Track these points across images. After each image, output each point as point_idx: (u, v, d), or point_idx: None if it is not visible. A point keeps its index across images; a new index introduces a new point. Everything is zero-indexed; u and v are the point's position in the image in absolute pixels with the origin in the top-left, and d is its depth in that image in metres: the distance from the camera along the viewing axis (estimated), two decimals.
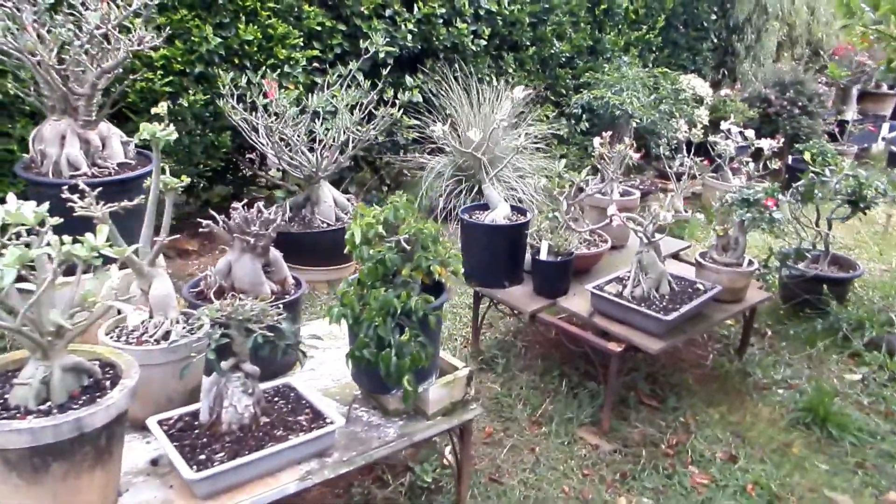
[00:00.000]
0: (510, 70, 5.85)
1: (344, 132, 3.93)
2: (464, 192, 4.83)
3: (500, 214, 3.19)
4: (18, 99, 3.31)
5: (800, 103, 6.91)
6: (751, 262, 3.09)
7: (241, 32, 4.12)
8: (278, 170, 4.74)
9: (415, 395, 1.81)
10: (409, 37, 4.94)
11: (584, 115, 6.18)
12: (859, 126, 7.64)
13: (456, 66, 5.35)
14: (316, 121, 3.97)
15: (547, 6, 5.93)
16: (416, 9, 5.00)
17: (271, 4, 4.28)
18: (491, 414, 2.93)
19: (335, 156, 3.90)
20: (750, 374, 3.30)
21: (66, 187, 1.81)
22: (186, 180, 2.05)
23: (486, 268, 3.18)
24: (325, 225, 3.86)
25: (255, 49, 4.25)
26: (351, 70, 4.11)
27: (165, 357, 1.77)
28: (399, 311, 1.74)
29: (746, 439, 2.82)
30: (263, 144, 3.77)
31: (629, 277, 2.88)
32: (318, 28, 4.56)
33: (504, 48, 5.85)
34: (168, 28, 3.89)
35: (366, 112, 4.08)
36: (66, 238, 1.42)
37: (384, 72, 4.86)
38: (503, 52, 5.82)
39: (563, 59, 6.22)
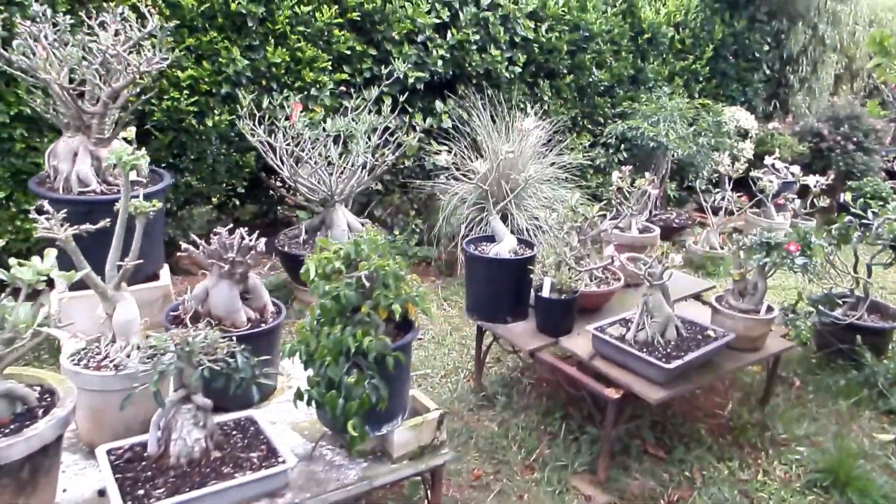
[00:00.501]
0: (546, 97, 5.76)
1: (361, 156, 3.92)
2: (485, 221, 4.75)
3: (505, 247, 3.10)
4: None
5: (854, 138, 6.57)
6: (770, 309, 2.89)
7: (270, 55, 4.19)
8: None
9: (361, 440, 1.73)
10: (440, 62, 4.93)
11: (622, 146, 6.03)
12: None
13: (490, 92, 5.31)
14: (335, 144, 3.98)
15: (587, 34, 5.83)
16: (449, 34, 4.99)
17: (301, 28, 4.34)
18: (483, 454, 2.81)
19: (351, 180, 3.89)
20: (770, 427, 3.07)
21: (34, 207, 1.83)
22: (158, 205, 2.04)
23: (489, 302, 3.09)
24: None
25: (283, 71, 4.31)
26: (373, 94, 4.10)
27: (122, 384, 1.76)
28: (354, 351, 1.67)
29: (755, 500, 2.61)
30: (280, 165, 3.80)
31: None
32: (348, 52, 4.60)
33: (540, 75, 5.77)
34: (198, 49, 4.04)
35: (384, 137, 4.06)
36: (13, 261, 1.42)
37: (409, 97, 4.90)
38: (539, 80, 5.74)
39: (602, 88, 6.09)
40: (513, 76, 5.45)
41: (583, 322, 3.02)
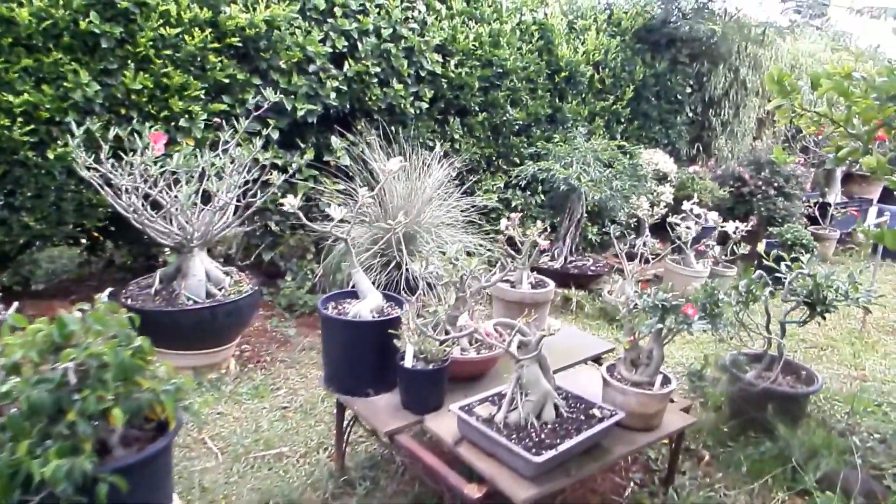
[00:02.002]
0: (456, 136, 5.42)
1: (225, 195, 3.43)
2: (382, 267, 4.30)
3: (367, 307, 2.65)
4: None
5: (775, 184, 6.45)
6: (667, 381, 2.50)
7: (128, 81, 3.69)
8: None
9: None
10: (335, 95, 4.52)
11: (539, 188, 5.73)
12: (842, 210, 7.16)
13: (394, 128, 4.92)
14: (199, 181, 3.47)
15: (500, 71, 5.54)
16: (346, 66, 4.60)
17: (168, 52, 3.86)
18: None
19: (213, 221, 3.39)
20: None
21: None
22: None
23: (348, 371, 2.62)
24: (190, 302, 3.31)
25: (146, 99, 3.81)
26: (243, 125, 3.63)
27: None
28: (38, 482, 1.17)
29: None
30: (122, 204, 3.26)
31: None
32: (227, 81, 4.14)
33: (450, 112, 5.44)
34: (39, 72, 3.51)
35: (263, 175, 3.59)
36: None
37: (301, 131, 4.48)
38: (449, 117, 5.40)
39: (518, 127, 5.79)
40: (419, 112, 5.09)
41: (459, 394, 2.58)
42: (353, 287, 2.75)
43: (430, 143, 5.25)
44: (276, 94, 3.78)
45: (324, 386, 2.71)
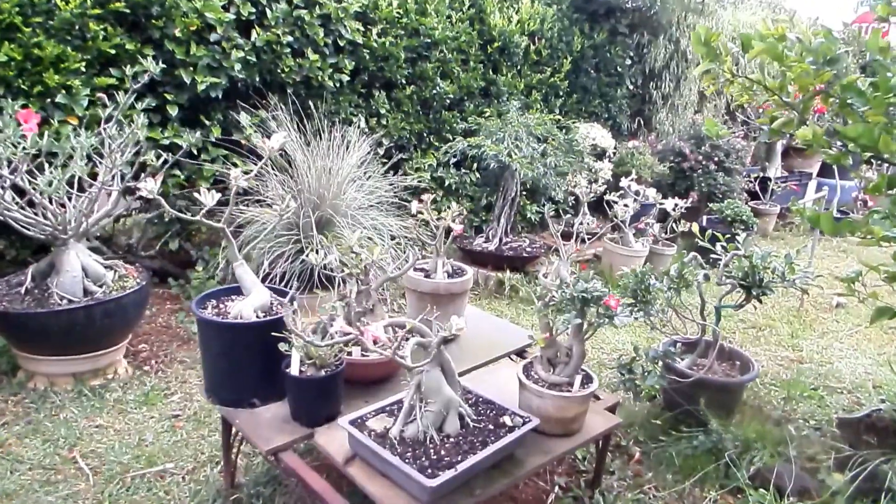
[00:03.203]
0: (382, 111, 5.06)
1: (105, 177, 3.02)
2: (295, 255, 3.94)
3: (251, 305, 2.31)
4: None
5: (716, 158, 6.31)
6: (588, 380, 2.25)
7: None
8: None
9: None
10: (241, 66, 4.10)
11: (474, 165, 5.44)
12: (782, 184, 7.10)
13: (311, 102, 4.54)
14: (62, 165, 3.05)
15: (429, 41, 5.19)
16: (254, 34, 4.18)
17: (39, 20, 3.39)
18: None
19: (84, 210, 2.98)
20: None
21: None
22: None
23: (229, 380, 2.29)
24: (64, 302, 2.91)
25: (14, 73, 3.34)
26: (125, 102, 3.20)
27: None
28: None
29: None
30: None
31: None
32: (114, 52, 3.68)
33: (375, 85, 5.07)
34: None
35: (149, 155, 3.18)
36: None
37: (206, 107, 4.08)
38: (374, 90, 5.03)
39: (449, 101, 5.46)
40: (340, 85, 4.71)
41: (361, 401, 2.29)
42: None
43: (354, 119, 4.89)
44: (161, 65, 3.33)
45: (205, 397, 2.38)
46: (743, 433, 2.85)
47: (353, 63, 4.74)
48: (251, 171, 2.41)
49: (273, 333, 2.14)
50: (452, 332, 1.93)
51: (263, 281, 3.82)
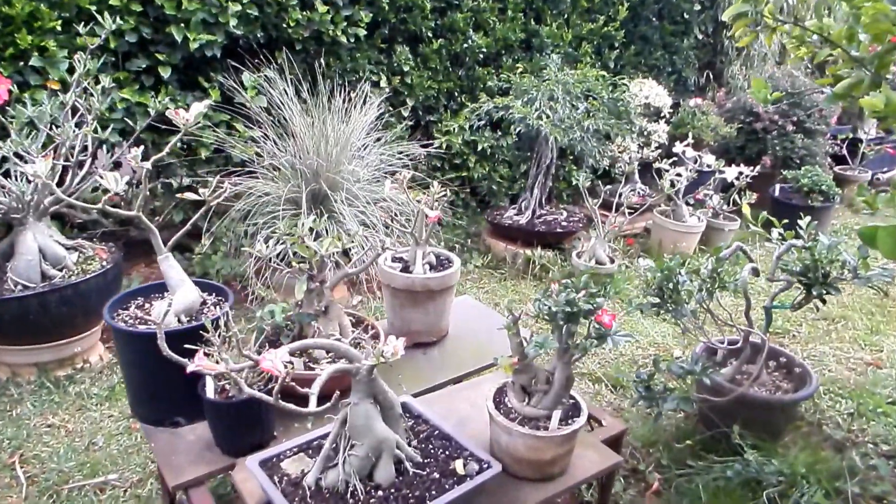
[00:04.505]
0: (406, 68, 4.57)
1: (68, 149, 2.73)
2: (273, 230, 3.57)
3: (173, 308, 1.96)
4: None
5: (795, 118, 5.47)
6: (574, 413, 1.77)
7: None
8: None
9: None
10: (238, 21, 3.71)
11: (511, 127, 4.89)
12: (876, 147, 6.14)
13: (324, 60, 4.12)
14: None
15: None
16: None
17: None
18: None
19: (42, 186, 2.71)
20: None
21: None
22: None
23: (147, 395, 1.96)
24: (18, 288, 2.67)
25: None
26: (93, 67, 2.88)
27: None
28: None
29: None
30: None
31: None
32: (94, 8, 3.36)
33: (397, 40, 4.58)
34: None
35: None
36: None
37: (204, 67, 3.73)
38: (395, 45, 4.55)
39: (483, 56, 4.90)
40: (356, 41, 4.26)
41: (305, 424, 1.92)
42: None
43: (376, 79, 4.44)
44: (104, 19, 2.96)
45: (131, 412, 2.07)
46: (790, 463, 2.31)
47: (371, 14, 4.26)
48: (163, 152, 2.02)
49: (188, 346, 1.78)
50: (382, 358, 1.50)
51: (258, 261, 3.54)
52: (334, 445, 1.58)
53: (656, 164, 4.49)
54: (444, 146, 4.67)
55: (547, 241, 4.32)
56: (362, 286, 3.73)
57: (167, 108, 3.14)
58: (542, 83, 4.36)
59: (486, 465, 1.62)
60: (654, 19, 5.91)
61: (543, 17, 5.23)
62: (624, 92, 4.53)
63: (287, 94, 3.70)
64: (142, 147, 1.87)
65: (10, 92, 2.89)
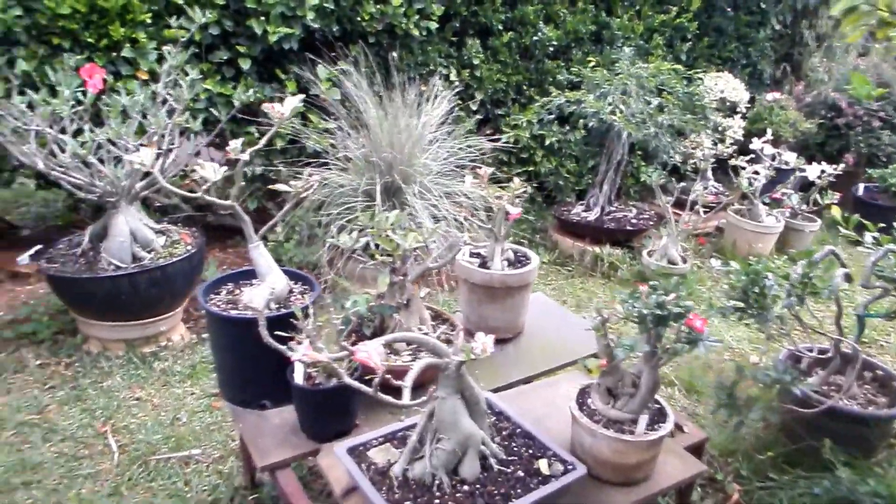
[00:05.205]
0: (476, 61, 4.56)
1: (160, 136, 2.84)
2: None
3: (263, 294, 2.02)
4: None
5: (882, 113, 5.20)
6: (660, 418, 1.75)
7: (52, 5, 3.11)
8: None
9: None
10: (315, 14, 3.77)
11: (580, 121, 4.83)
12: None
13: (396, 53, 4.15)
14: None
15: None
16: None
17: None
18: None
19: (134, 171, 2.83)
20: None
21: None
22: None
23: (238, 377, 2.03)
24: (111, 268, 2.80)
25: (79, 26, 3.23)
26: (182, 59, 2.98)
27: None
28: None
29: None
30: (28, 154, 2.74)
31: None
32: (181, 1, 3.48)
33: (468, 33, 4.57)
34: None
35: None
36: None
37: (282, 60, 3.81)
38: (466, 38, 4.54)
39: (553, 49, 4.85)
40: (428, 34, 4.27)
41: (388, 412, 1.96)
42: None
43: (444, 71, 4.45)
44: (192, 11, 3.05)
45: (219, 391, 2.15)
46: (888, 484, 2.21)
47: (443, 8, 4.27)
48: (260, 140, 2.08)
49: (278, 333, 1.83)
50: (473, 354, 1.52)
51: (332, 250, 3.61)
52: (421, 438, 1.61)
53: (732, 161, 4.35)
54: (511, 140, 4.65)
55: (616, 239, 4.25)
56: (430, 278, 3.75)
57: (252, 101, 3.27)
58: (614, 77, 4.27)
59: (570, 467, 1.62)
60: (728, 10, 5.71)
61: (615, 9, 5.13)
62: (699, 86, 4.40)
63: (361, 87, 3.74)
64: (241, 139, 1.93)
65: (104, 81, 3.02)
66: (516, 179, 2.34)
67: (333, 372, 1.85)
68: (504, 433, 1.75)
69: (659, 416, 1.76)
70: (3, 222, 4.51)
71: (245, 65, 3.73)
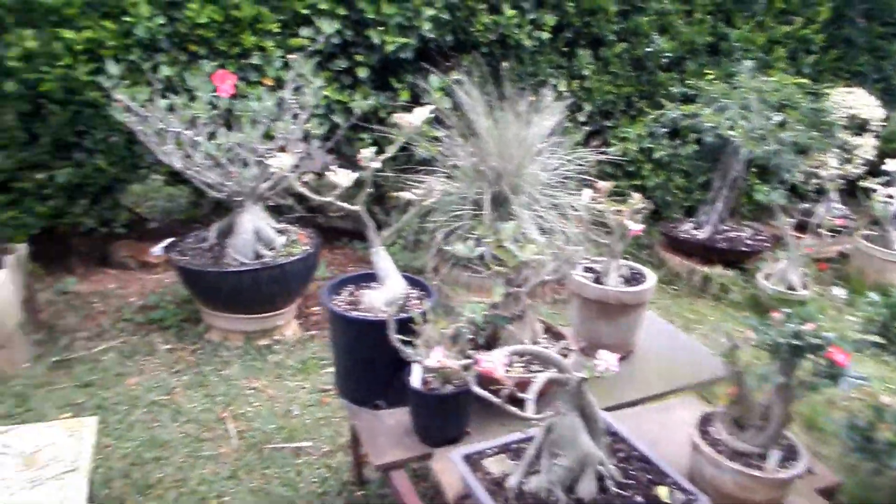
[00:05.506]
0: (586, 72, 4.51)
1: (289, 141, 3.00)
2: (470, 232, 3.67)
3: (383, 297, 2.09)
4: None
5: None
6: (791, 455, 1.66)
7: (192, 14, 3.35)
8: None
9: None
10: (431, 25, 3.86)
11: (692, 136, 4.67)
12: None
13: (507, 64, 4.18)
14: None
15: None
16: None
17: None
18: None
19: (260, 174, 2.99)
20: None
21: None
22: None
23: (355, 376, 2.11)
24: (235, 263, 2.98)
25: (214, 35, 3.47)
26: (308, 67, 3.13)
27: None
28: None
29: None
30: (167, 153, 2.96)
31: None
32: (308, 11, 3.65)
33: (579, 43, 4.53)
34: (103, 6, 3.29)
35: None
36: None
37: (395, 68, 3.92)
38: (577, 49, 4.50)
39: (667, 60, 4.72)
40: (539, 44, 4.27)
41: (497, 423, 1.97)
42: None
43: (553, 81, 4.43)
44: (351, 25, 3.21)
45: (334, 387, 2.24)
46: None
47: (556, 18, 4.25)
48: (390, 148, 2.14)
49: (397, 336, 1.88)
50: (596, 372, 1.50)
51: (437, 256, 3.67)
52: (538, 452, 1.60)
53: (862, 183, 4.07)
54: (619, 153, 4.55)
55: (728, 259, 4.08)
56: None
57: (374, 109, 3.38)
58: (733, 90, 4.10)
59: (692, 498, 1.56)
60: (860, 20, 5.35)
61: (734, 20, 4.92)
62: (826, 101, 4.14)
63: (472, 96, 3.78)
64: (374, 147, 2.00)
65: (235, 87, 3.22)
66: (636, 194, 2.30)
67: (450, 378, 1.88)
68: (620, 455, 1.72)
69: (789, 453, 1.67)
70: (134, 214, 4.89)
71: (362, 73, 3.87)
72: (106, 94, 3.20)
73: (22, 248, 3.21)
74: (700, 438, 1.69)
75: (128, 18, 3.27)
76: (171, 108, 2.90)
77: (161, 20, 3.32)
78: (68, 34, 3.17)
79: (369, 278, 2.26)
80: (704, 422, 1.77)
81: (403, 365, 1.99)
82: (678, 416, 2.06)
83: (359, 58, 3.87)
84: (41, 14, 3.18)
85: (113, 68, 2.85)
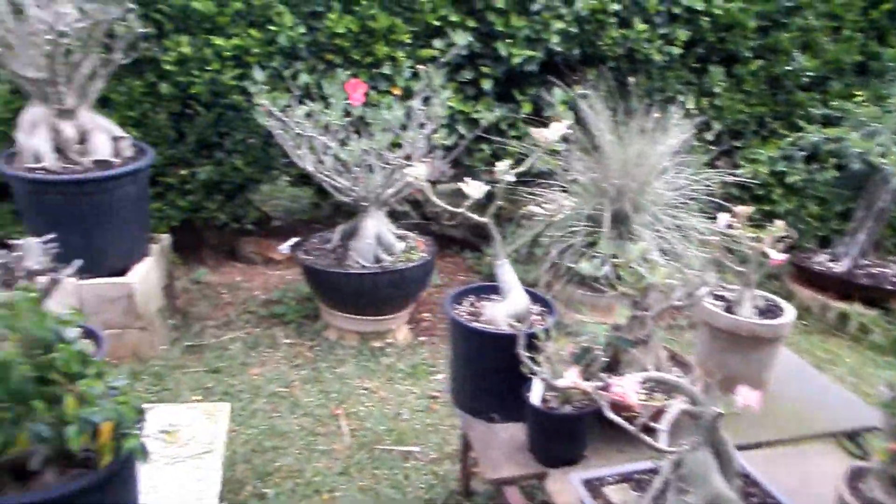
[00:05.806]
0: (717, 89, 4.32)
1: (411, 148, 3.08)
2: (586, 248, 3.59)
3: (505, 311, 2.08)
4: None
5: None
6: None
7: (331, 24, 3.52)
8: None
9: None
10: (559, 39, 3.83)
11: (832, 161, 4.35)
12: None
13: (634, 79, 4.07)
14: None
15: (790, 4, 4.24)
16: (577, 3, 3.86)
17: None
18: None
19: (384, 181, 3.08)
20: None
21: None
22: None
23: (471, 387, 2.11)
24: (357, 265, 3.08)
25: (350, 44, 3.62)
26: (438, 78, 3.20)
27: None
28: None
29: None
30: (302, 157, 3.11)
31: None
32: (439, 23, 3.74)
33: (711, 59, 4.34)
34: (250, 15, 3.52)
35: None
36: None
37: (519, 81, 3.93)
38: (709, 65, 4.31)
39: (808, 79, 4.42)
40: (669, 59, 4.13)
41: (614, 448, 1.91)
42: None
43: (681, 98, 4.26)
44: (480, 37, 3.25)
45: (449, 395, 2.25)
46: None
47: (689, 33, 4.10)
48: (523, 162, 2.13)
49: (519, 352, 1.87)
50: (736, 409, 1.41)
51: (550, 271, 3.63)
52: (664, 486, 1.53)
53: None
54: (749, 175, 4.31)
55: (869, 297, 3.75)
56: None
57: (496, 120, 3.40)
58: (885, 114, 3.78)
59: None
60: None
61: (888, 37, 4.54)
62: None
63: (596, 111, 3.71)
64: (509, 161, 2.01)
65: (365, 95, 3.34)
66: (778, 221, 2.15)
67: (571, 399, 1.84)
68: (753, 500, 1.61)
69: None
70: (261, 213, 5.18)
71: (487, 85, 3.89)
72: (248, 98, 3.44)
73: (165, 239, 3.48)
74: (850, 496, 1.55)
75: (272, 27, 3.48)
76: (308, 115, 3.05)
77: (302, 29, 3.51)
78: (218, 41, 3.42)
79: (490, 290, 2.26)
80: (855, 476, 1.62)
81: (521, 380, 1.96)
82: (816, 465, 1.90)
83: (485, 69, 3.90)
84: (196, 21, 3.45)
85: (259, 74, 3.04)
